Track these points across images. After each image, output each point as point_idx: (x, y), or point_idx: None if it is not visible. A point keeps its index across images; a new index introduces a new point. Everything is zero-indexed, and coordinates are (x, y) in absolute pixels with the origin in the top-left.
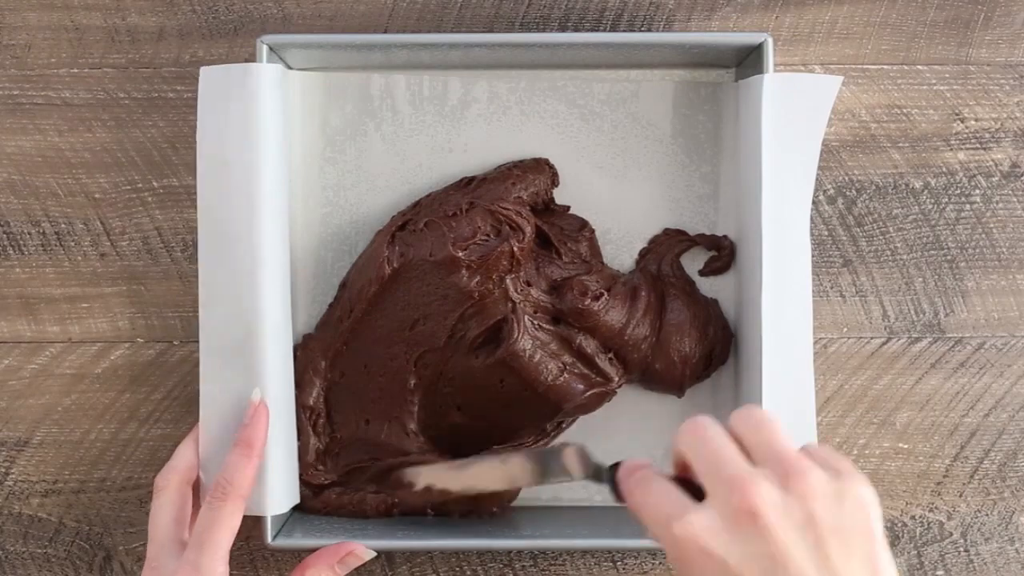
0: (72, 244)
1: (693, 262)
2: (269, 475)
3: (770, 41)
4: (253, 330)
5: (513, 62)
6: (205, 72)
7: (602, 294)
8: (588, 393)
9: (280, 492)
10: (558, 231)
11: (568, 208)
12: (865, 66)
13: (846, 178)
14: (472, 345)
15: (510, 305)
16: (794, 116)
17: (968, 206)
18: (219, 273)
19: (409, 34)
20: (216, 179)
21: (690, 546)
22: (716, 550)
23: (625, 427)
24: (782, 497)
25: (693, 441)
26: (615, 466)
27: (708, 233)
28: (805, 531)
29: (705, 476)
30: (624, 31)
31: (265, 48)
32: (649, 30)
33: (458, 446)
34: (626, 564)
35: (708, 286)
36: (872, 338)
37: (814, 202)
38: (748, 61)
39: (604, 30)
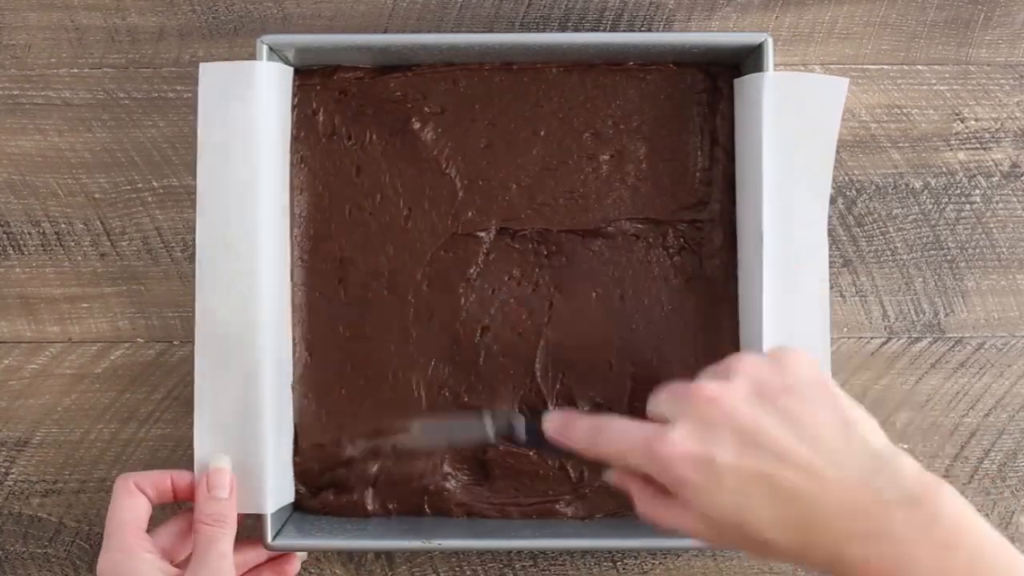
0: (72, 244)
1: None
2: (267, 473)
3: (770, 41)
4: (253, 324)
5: (513, 62)
6: (204, 68)
7: None
8: None
9: (277, 490)
10: None
11: None
12: (865, 66)
13: (846, 178)
14: None
15: None
16: (797, 116)
17: (968, 206)
18: (218, 270)
19: (409, 34)
20: (216, 176)
21: (675, 456)
22: (696, 448)
23: None
24: (727, 384)
25: (662, 393)
26: (532, 422)
27: None
28: (759, 399)
29: (670, 408)
30: (624, 31)
31: (265, 48)
32: (649, 30)
33: None
34: (626, 564)
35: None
36: (872, 338)
37: None
38: (748, 61)
39: (604, 30)
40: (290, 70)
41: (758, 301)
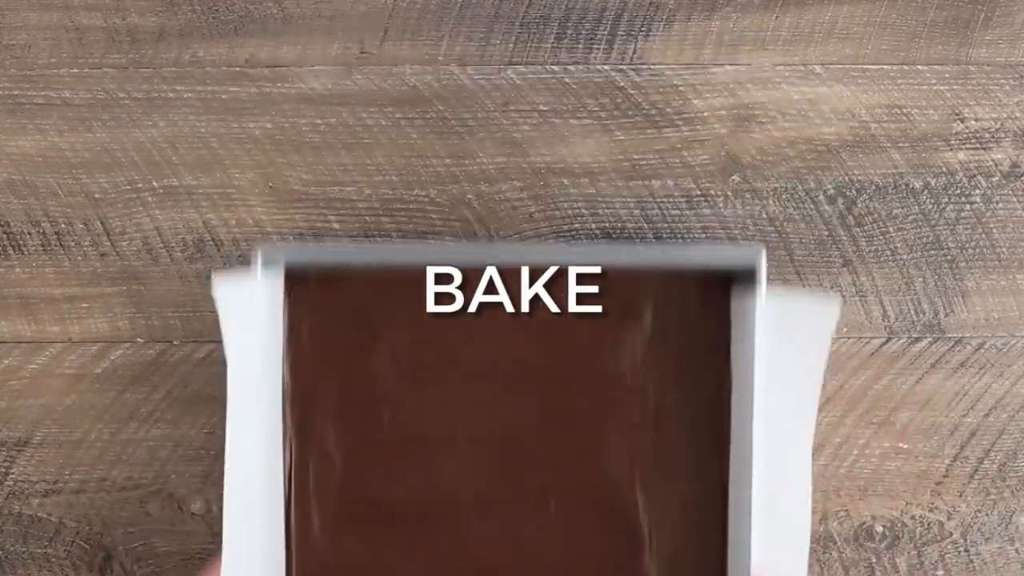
0: (72, 244)
1: None
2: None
3: (763, 258)
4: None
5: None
6: (217, 282)
7: None
8: None
9: None
10: None
11: None
12: (865, 66)
13: (846, 178)
14: None
15: None
16: (788, 335)
17: (968, 206)
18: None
19: (405, 245)
20: (244, 388)
21: None
22: None
23: None
24: None
25: None
26: None
27: None
28: None
29: None
30: (624, 32)
31: (260, 255)
32: (649, 31)
33: None
34: None
35: None
36: (872, 338)
37: (814, 202)
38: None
39: (604, 30)
40: (280, 281)
41: (747, 516)
